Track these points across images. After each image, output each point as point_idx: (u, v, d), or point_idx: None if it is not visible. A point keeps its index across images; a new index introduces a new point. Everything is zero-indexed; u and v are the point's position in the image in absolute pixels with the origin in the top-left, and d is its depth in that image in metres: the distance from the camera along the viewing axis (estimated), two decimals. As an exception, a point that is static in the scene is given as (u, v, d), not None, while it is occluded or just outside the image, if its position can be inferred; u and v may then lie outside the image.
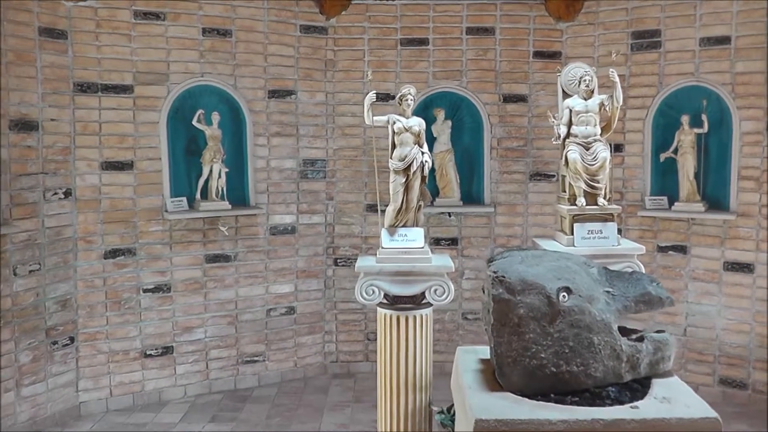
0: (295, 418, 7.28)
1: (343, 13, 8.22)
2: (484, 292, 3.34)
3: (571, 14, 8.20)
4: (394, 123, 5.39)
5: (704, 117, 7.62)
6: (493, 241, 8.43)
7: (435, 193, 8.11)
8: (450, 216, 8.34)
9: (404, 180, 5.35)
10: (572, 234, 5.51)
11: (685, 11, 7.68)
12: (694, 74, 7.69)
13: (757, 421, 7.05)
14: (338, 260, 8.44)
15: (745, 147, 7.52)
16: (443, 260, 5.36)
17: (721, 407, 5.95)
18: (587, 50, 8.14)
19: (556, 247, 5.49)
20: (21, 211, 6.65)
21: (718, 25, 7.56)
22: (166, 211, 7.50)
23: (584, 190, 5.59)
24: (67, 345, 7.15)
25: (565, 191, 5.84)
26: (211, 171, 7.63)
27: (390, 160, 5.41)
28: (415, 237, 5.35)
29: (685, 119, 7.70)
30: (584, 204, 5.56)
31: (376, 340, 8.35)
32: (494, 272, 3.17)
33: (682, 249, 7.82)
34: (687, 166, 7.71)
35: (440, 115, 8.26)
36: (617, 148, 7.88)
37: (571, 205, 5.66)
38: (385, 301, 5.27)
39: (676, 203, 7.77)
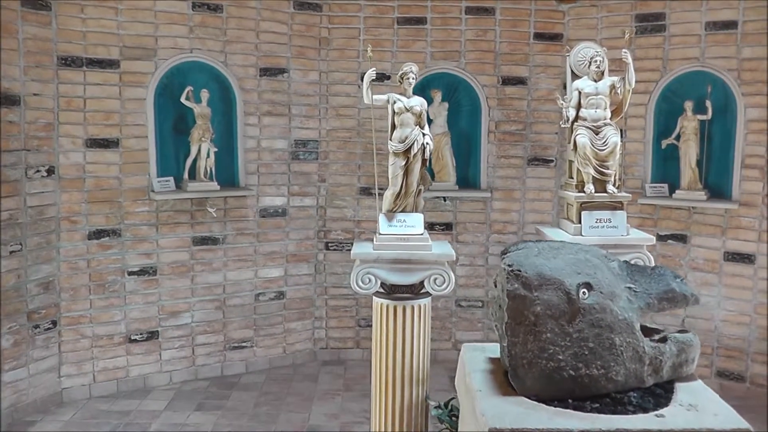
0: (284, 407, 7.07)
1: (339, -11, 7.96)
2: (495, 285, 3.12)
3: (573, -5, 7.98)
4: (395, 103, 5.15)
5: (708, 103, 7.44)
6: (489, 227, 8.22)
7: (431, 176, 7.86)
8: (445, 200, 8.13)
9: (404, 163, 5.11)
10: (579, 222, 5.28)
11: (692, -6, 7.48)
12: (699, 59, 7.49)
13: (755, 415, 6.88)
14: (329, 244, 8.22)
15: (750, 135, 7.35)
16: (444, 248, 5.14)
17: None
18: (590, 33, 7.90)
19: (562, 236, 5.28)
20: (2, 189, 6.38)
21: (724, 10, 7.37)
22: (153, 191, 7.26)
23: (593, 177, 5.36)
24: (49, 329, 6.91)
25: (572, 177, 5.60)
26: (199, 150, 7.40)
27: (389, 141, 5.17)
28: (414, 223, 5.12)
29: (688, 105, 7.53)
30: (593, 191, 5.33)
31: (367, 326, 8.26)
32: (509, 266, 2.94)
33: (682, 238, 7.65)
34: (689, 153, 7.55)
35: (437, 96, 8.02)
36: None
37: (579, 192, 5.42)
38: (382, 290, 5.04)
39: (677, 191, 7.60)
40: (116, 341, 7.32)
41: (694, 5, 7.48)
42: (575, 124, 5.47)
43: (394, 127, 5.17)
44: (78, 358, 7.15)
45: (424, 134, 5.13)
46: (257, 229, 7.89)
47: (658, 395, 2.95)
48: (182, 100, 7.33)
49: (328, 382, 7.71)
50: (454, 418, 5.01)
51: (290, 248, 8.08)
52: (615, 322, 2.90)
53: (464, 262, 8.22)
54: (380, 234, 5.09)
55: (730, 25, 7.34)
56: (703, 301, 7.50)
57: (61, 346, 7.05)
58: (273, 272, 8.02)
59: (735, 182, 7.44)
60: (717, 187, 7.59)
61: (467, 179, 8.24)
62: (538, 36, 8.09)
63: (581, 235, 5.22)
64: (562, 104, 5.62)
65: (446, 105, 8.09)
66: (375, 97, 5.19)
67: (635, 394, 2.92)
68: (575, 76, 5.67)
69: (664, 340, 3.05)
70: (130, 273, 7.31)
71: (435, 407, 5.13)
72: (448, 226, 8.16)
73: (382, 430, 5.09)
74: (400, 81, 5.23)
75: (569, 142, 5.55)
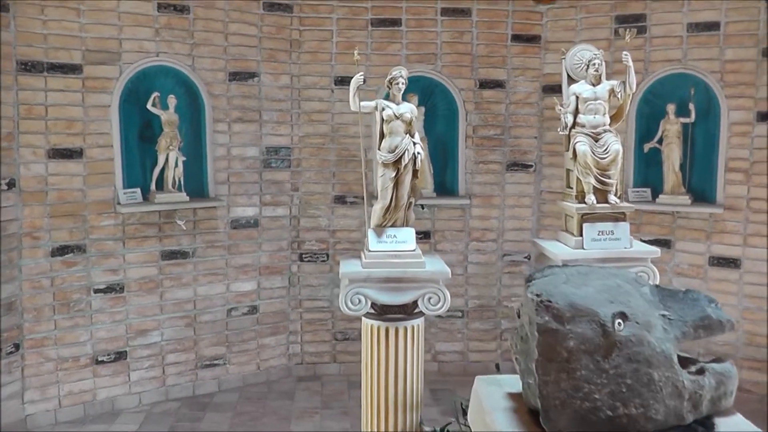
0: (260, 427, 6.76)
1: (310, -11, 7.66)
2: (518, 316, 2.85)
3: (551, -4, 7.78)
4: (383, 109, 4.87)
5: (691, 106, 7.32)
6: (467, 234, 7.99)
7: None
8: (423, 208, 7.87)
9: (394, 174, 4.84)
10: (580, 235, 5.03)
11: (673, -6, 7.34)
12: (681, 61, 7.37)
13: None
14: (304, 255, 7.92)
15: (734, 138, 7.25)
16: (437, 264, 4.86)
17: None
18: (569, 34, 7.73)
19: (562, 249, 5.04)
20: (-43, 206, 5.98)
21: (706, 11, 7.28)
22: (119, 203, 6.91)
23: (594, 186, 5.11)
24: (11, 353, 6.50)
25: (571, 187, 5.34)
26: (167, 160, 7.07)
27: (378, 151, 4.89)
28: (405, 238, 4.85)
29: (671, 108, 7.40)
30: (594, 202, 5.08)
31: (344, 339, 7.98)
32: (537, 295, 2.67)
33: (666, 243, 7.48)
34: (672, 156, 7.42)
35: (413, 100, 7.61)
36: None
37: (580, 202, 5.17)
38: (372, 310, 4.75)
39: (660, 195, 7.47)
40: (82, 363, 6.93)
41: (675, 6, 7.35)
42: (573, 130, 5.23)
43: (382, 135, 4.89)
44: (42, 382, 6.75)
45: (414, 143, 4.87)
46: (228, 241, 7.56)
47: (699, 434, 2.72)
48: (148, 106, 6.99)
49: (305, 400, 7.41)
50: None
51: (263, 260, 7.77)
52: (653, 356, 2.66)
53: (443, 271, 7.95)
54: (369, 251, 4.80)
55: (713, 26, 7.23)
56: (689, 308, 7.36)
57: (24, 370, 6.64)
58: (245, 286, 7.70)
59: (719, 186, 7.34)
60: (701, 191, 7.48)
61: (445, 186, 7.99)
62: (516, 38, 7.87)
63: (583, 248, 4.99)
64: (560, 110, 5.36)
65: (422, 109, 7.81)
66: (362, 103, 4.91)
67: (675, 433, 2.69)
68: (571, 80, 5.43)
69: (701, 371, 2.81)
70: (96, 291, 6.94)
71: (430, 433, 4.88)
72: (426, 235, 7.90)
73: (374, 458, 4.81)
74: (388, 86, 4.96)
75: (567, 150, 5.30)
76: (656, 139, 7.49)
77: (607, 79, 5.40)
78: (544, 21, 7.85)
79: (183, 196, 7.14)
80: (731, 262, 7.27)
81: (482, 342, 8.10)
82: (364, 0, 7.71)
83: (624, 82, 5.22)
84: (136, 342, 7.18)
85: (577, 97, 5.25)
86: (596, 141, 5.12)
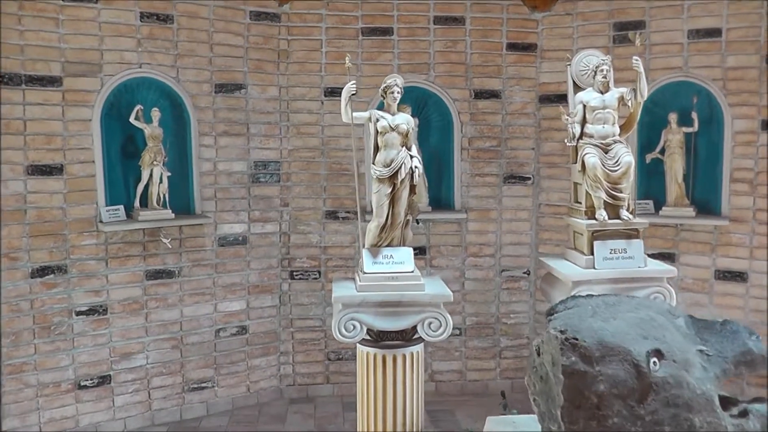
0: (252, 454, 6.47)
1: (298, -3, 7.41)
2: (539, 354, 2.59)
3: (547, 3, 7.57)
4: (378, 120, 4.61)
5: (694, 114, 7.09)
6: (464, 249, 7.73)
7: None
8: (418, 223, 7.56)
9: (390, 190, 4.58)
10: (591, 254, 4.75)
11: (672, 2, 7.14)
12: (682, 69, 7.15)
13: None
14: (294, 273, 7.64)
15: (738, 147, 7.03)
16: (437, 286, 4.59)
17: None
18: (565, 42, 7.50)
19: (571, 269, 4.77)
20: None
21: (707, 17, 7.05)
22: (101, 221, 6.64)
23: (604, 201, 4.84)
24: (-13, 380, 6.21)
25: (579, 202, 5.07)
26: (151, 175, 6.82)
27: (372, 165, 4.62)
28: (403, 258, 4.58)
29: (672, 117, 7.17)
30: (605, 218, 4.81)
31: (337, 360, 7.70)
32: (562, 332, 2.40)
33: (669, 257, 7.24)
34: (675, 167, 7.19)
35: (406, 111, 7.41)
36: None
37: (590, 219, 4.89)
38: (368, 337, 4.46)
39: (663, 207, 7.23)
40: (64, 389, 6.64)
41: (675, 12, 7.14)
42: (581, 141, 4.96)
43: (377, 148, 4.62)
44: (21, 409, 6.44)
45: (412, 156, 4.60)
46: (216, 260, 7.28)
47: (745, 485, 2.45)
48: (131, 120, 6.74)
49: (297, 423, 7.12)
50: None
51: (252, 279, 7.49)
52: (693, 398, 2.40)
53: (439, 288, 7.69)
54: (364, 273, 4.52)
55: (714, 32, 7.01)
56: (694, 324, 7.13)
57: (2, 397, 6.33)
58: (234, 305, 7.41)
59: (724, 197, 7.10)
60: (705, 202, 7.24)
61: (440, 199, 7.74)
62: (511, 46, 7.64)
63: (594, 268, 4.72)
64: (566, 119, 5.09)
65: (416, 121, 7.48)
66: (355, 114, 4.65)
67: (719, 486, 2.43)
68: (578, 88, 5.17)
69: (744, 413, 2.56)
70: (78, 313, 6.64)
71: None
72: (421, 250, 7.63)
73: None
74: (383, 95, 4.70)
75: (575, 162, 5.03)
76: (658, 149, 7.26)
77: (615, 87, 5.15)
78: (539, 29, 7.62)
79: (168, 213, 6.87)
80: (737, 276, 7.04)
81: (481, 360, 7.84)
82: (354, 9, 7.46)
83: (634, 89, 4.97)
84: (120, 366, 6.89)
85: (585, 106, 4.99)
86: (606, 152, 4.86)
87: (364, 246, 4.65)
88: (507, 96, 7.67)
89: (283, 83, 7.49)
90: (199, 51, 7.07)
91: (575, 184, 5.16)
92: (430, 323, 4.46)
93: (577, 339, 2.40)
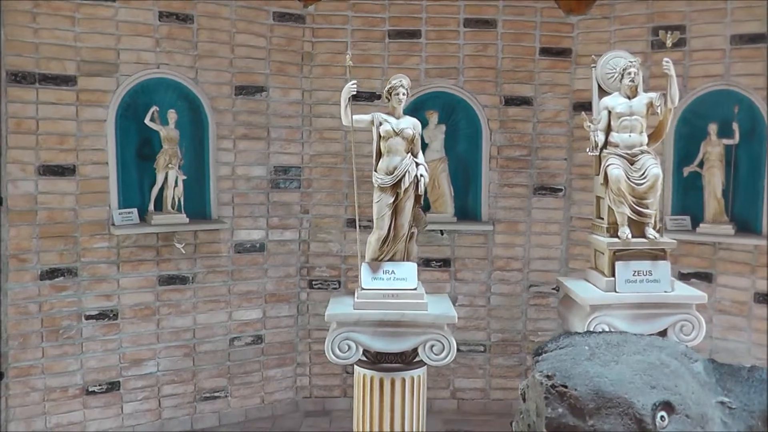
0: (261, 468, 6.26)
1: (323, -2, 7.22)
2: (524, 399, 2.27)
3: (583, 6, 7.25)
4: (381, 124, 4.35)
5: (735, 126, 6.69)
6: (490, 263, 7.42)
7: (425, 207, 7.08)
8: (442, 234, 7.34)
9: (392, 200, 4.30)
10: (613, 275, 4.38)
11: (714, 5, 6.77)
12: (723, 77, 6.78)
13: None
14: (313, 282, 7.43)
15: (782, 161, 6.59)
16: (443, 305, 4.27)
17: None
18: (601, 47, 7.09)
19: (591, 292, 4.41)
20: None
21: (751, 21, 6.66)
22: (113, 224, 6.52)
23: (628, 217, 4.49)
24: (-7, 383, 6.14)
25: (601, 217, 4.72)
26: (166, 178, 6.68)
27: (374, 173, 4.36)
28: (405, 274, 4.28)
29: (712, 128, 6.80)
30: (629, 236, 4.44)
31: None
32: (549, 377, 2.06)
33: (706, 277, 6.86)
34: (714, 181, 6.81)
35: (433, 118, 7.26)
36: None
37: (612, 236, 4.52)
38: (364, 358, 4.18)
39: (701, 224, 6.84)
40: (71, 394, 6.54)
41: (717, 17, 6.77)
42: (605, 151, 4.61)
43: (380, 154, 4.35)
44: (28, 413, 6.36)
45: (417, 164, 4.32)
46: (231, 267, 7.12)
47: None
48: (147, 121, 6.61)
49: (311, 437, 6.90)
50: None
51: (269, 287, 7.31)
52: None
53: (464, 302, 7.41)
54: (363, 289, 4.24)
55: (757, 38, 6.63)
56: (732, 347, 6.75)
57: (8, 400, 6.26)
58: (249, 314, 7.24)
59: (764, 214, 6.68)
60: (744, 219, 6.85)
61: (466, 210, 7.47)
62: (545, 51, 7.33)
63: (615, 291, 4.35)
64: (589, 126, 4.76)
65: (443, 128, 7.33)
66: (356, 117, 4.42)
67: None
68: (603, 93, 4.83)
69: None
70: (88, 317, 6.54)
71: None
72: (445, 263, 7.37)
73: None
74: (387, 97, 4.43)
75: (597, 174, 4.69)
76: (696, 162, 6.88)
77: (645, 92, 4.79)
78: (574, 33, 7.30)
79: (183, 217, 6.72)
80: (778, 299, 6.63)
81: (505, 379, 7.51)
82: (381, 10, 7.24)
83: (665, 95, 4.62)
84: (130, 372, 6.77)
85: (610, 112, 4.67)
86: (632, 164, 4.51)
87: (364, 260, 4.37)
88: (539, 103, 7.36)
89: (306, 86, 7.31)
90: (219, 52, 6.93)
91: (598, 197, 4.82)
92: (432, 346, 4.17)
93: (566, 387, 2.06)
